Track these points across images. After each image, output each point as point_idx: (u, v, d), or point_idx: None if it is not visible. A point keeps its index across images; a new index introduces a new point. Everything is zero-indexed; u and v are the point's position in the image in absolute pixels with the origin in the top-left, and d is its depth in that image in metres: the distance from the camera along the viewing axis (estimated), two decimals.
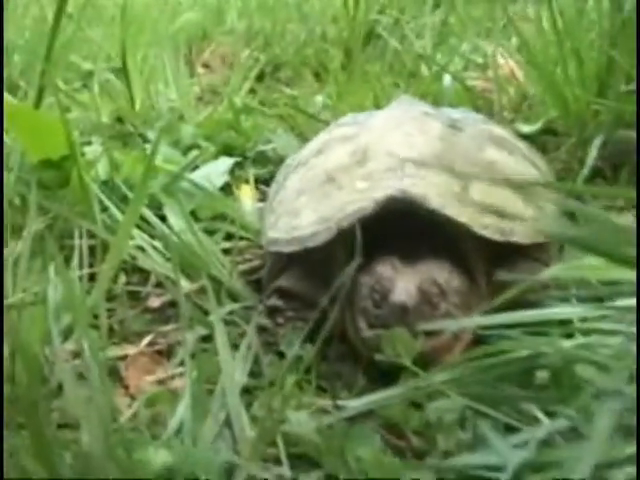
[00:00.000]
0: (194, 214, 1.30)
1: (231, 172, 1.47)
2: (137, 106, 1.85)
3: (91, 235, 1.18)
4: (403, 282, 0.89)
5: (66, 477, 0.62)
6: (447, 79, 1.68)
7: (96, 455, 0.60)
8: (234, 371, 0.82)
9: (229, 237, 1.21)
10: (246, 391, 0.88)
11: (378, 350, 0.87)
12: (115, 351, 1.01)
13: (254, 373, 0.90)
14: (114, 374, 0.96)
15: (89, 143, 1.49)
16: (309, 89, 2.01)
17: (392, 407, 0.79)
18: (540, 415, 0.71)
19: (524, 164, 1.10)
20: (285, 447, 0.75)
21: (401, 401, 0.80)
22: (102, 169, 1.30)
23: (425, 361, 0.85)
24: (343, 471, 0.69)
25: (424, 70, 1.89)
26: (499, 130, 1.15)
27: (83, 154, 1.33)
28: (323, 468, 0.71)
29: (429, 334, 0.87)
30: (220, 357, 0.81)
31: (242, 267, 1.16)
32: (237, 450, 0.73)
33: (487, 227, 0.96)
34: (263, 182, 1.55)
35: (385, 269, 0.92)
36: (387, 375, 0.88)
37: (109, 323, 1.09)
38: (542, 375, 0.75)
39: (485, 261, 0.99)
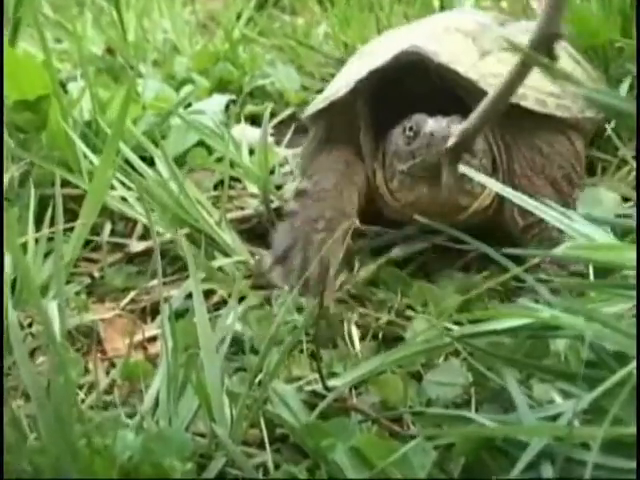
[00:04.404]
0: (184, 156, 1.23)
1: (226, 109, 1.39)
2: (130, 37, 1.74)
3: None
4: (434, 120, 0.92)
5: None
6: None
7: (51, 452, 0.54)
8: (214, 339, 0.73)
9: (221, 182, 1.13)
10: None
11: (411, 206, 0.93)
12: (94, 310, 0.94)
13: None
14: (92, 336, 0.89)
15: (74, 79, 1.39)
16: (312, 18, 1.90)
17: (387, 382, 0.72)
18: (554, 394, 0.64)
19: (568, 61, 1.09)
20: (269, 429, 0.68)
21: (398, 373, 0.73)
22: (86, 108, 1.21)
23: (447, 208, 0.92)
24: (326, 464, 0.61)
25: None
26: None
27: (66, 92, 1.25)
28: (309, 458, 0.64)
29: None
30: (198, 324, 0.73)
31: (233, 215, 1.08)
32: (215, 432, 0.66)
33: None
34: (261, 119, 1.46)
35: (416, 116, 0.94)
36: None
37: (90, 276, 1.03)
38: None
39: (499, 132, 0.99)
